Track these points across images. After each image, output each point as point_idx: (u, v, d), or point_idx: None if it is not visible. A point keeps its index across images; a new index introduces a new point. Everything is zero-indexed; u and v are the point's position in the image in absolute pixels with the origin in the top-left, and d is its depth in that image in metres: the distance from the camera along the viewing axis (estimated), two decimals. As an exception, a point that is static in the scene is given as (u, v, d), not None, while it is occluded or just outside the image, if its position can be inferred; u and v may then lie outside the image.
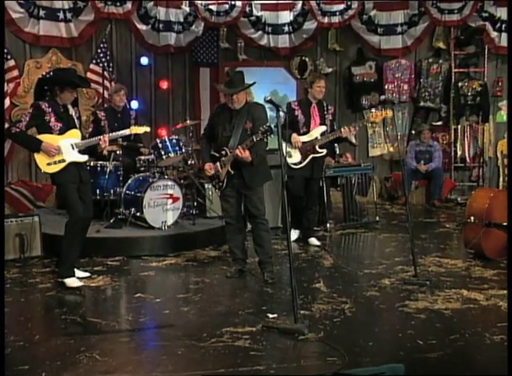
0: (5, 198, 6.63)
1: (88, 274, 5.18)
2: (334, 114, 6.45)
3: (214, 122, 5.08)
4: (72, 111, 5.02)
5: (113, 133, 5.46)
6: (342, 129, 6.13)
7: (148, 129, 5.90)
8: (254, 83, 4.95)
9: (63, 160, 4.88)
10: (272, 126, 4.65)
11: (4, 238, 5.20)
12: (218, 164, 5.00)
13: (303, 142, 6.17)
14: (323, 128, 6.20)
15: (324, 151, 6.19)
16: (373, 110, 5.68)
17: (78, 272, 5.05)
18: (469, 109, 9.67)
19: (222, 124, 4.99)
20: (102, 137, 5.12)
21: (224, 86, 4.96)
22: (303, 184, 6.28)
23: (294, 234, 6.51)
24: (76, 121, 5.03)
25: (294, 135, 6.13)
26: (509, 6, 8.75)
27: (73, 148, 4.94)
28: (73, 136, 4.97)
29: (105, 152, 5.27)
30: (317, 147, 6.16)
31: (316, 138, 6.19)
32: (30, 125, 4.87)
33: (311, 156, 6.15)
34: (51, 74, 5.03)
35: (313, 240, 6.52)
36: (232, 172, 4.94)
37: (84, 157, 5.06)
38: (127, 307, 4.49)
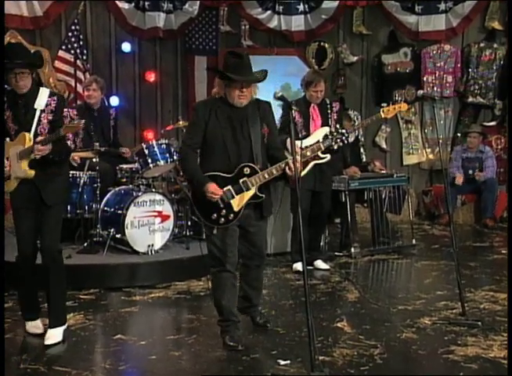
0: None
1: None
2: (340, 113, 6.57)
3: (210, 126, 4.39)
4: (41, 102, 4.50)
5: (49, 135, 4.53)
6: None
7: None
8: (266, 71, 4.48)
9: (8, 177, 4.55)
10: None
11: (4, 239, 5.07)
12: (229, 189, 4.37)
13: (302, 148, 6.22)
14: (326, 129, 6.27)
15: (328, 157, 6.24)
16: (384, 104, 5.71)
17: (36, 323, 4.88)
18: (531, 105, 9.67)
19: (227, 128, 4.38)
20: (39, 140, 4.44)
21: (233, 72, 4.29)
22: (308, 198, 6.37)
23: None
24: (39, 114, 4.48)
25: (289, 141, 6.18)
26: (509, 6, 8.97)
27: (17, 159, 4.51)
28: (20, 143, 4.48)
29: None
30: (319, 152, 6.21)
31: (318, 141, 6.25)
32: None
33: (312, 163, 6.20)
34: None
35: (319, 263, 6.64)
36: (263, 197, 4.45)
37: (28, 173, 4.50)
38: (103, 352, 4.47)
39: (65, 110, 4.62)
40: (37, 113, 4.51)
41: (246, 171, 4.39)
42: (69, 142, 4.83)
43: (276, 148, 4.62)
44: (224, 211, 4.38)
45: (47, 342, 4.54)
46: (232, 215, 4.39)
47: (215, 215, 4.38)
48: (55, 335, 4.58)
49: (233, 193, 4.37)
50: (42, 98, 4.54)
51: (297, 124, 6.34)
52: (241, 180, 4.38)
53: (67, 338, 4.67)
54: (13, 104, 4.53)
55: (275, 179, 4.52)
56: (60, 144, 4.56)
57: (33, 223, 4.58)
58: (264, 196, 4.46)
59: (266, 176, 4.42)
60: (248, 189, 4.39)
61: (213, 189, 4.29)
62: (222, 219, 4.39)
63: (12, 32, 8.54)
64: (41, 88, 4.62)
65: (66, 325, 4.72)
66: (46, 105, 4.53)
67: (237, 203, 4.39)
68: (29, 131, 4.48)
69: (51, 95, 4.60)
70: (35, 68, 4.73)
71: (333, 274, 6.48)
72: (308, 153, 4.82)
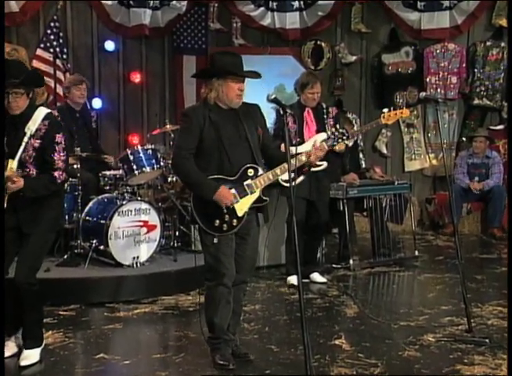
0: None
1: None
2: (337, 118, 6.64)
3: (206, 131, 4.31)
4: (33, 125, 4.36)
5: None
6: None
7: None
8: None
9: None
10: None
11: (4, 238, 5.04)
12: (233, 192, 4.30)
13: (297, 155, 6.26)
14: (323, 135, 6.29)
15: (324, 164, 6.27)
16: (385, 110, 5.75)
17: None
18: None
19: (224, 131, 4.33)
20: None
21: (236, 70, 4.28)
22: (304, 206, 6.42)
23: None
24: (26, 140, 4.34)
25: (283, 146, 6.22)
26: (509, 7, 9.13)
27: None
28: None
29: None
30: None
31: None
32: None
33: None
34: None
35: (316, 276, 6.67)
36: (267, 200, 4.41)
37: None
38: (85, 372, 4.45)
39: (58, 135, 4.43)
40: (26, 138, 4.35)
41: (250, 172, 4.35)
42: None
43: (275, 148, 4.64)
44: (227, 216, 4.28)
45: (22, 363, 4.48)
46: (235, 221, 4.30)
47: (218, 222, 4.27)
48: (31, 355, 4.53)
49: (237, 197, 4.29)
50: (36, 121, 4.38)
51: (290, 130, 6.35)
52: (245, 183, 4.33)
53: (45, 357, 4.63)
54: (9, 125, 4.39)
55: (271, 186, 4.52)
56: (35, 179, 4.43)
57: (10, 249, 4.46)
58: (268, 199, 4.41)
59: (271, 177, 4.39)
60: (253, 192, 4.34)
61: (226, 194, 4.22)
62: (225, 226, 4.29)
63: (-15, 29, 8.54)
64: (38, 110, 4.46)
65: (44, 344, 4.68)
66: (36, 129, 4.38)
67: (241, 207, 4.31)
68: (14, 157, 4.35)
69: (45, 118, 4.41)
70: (31, 88, 4.48)
71: (331, 288, 6.48)
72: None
